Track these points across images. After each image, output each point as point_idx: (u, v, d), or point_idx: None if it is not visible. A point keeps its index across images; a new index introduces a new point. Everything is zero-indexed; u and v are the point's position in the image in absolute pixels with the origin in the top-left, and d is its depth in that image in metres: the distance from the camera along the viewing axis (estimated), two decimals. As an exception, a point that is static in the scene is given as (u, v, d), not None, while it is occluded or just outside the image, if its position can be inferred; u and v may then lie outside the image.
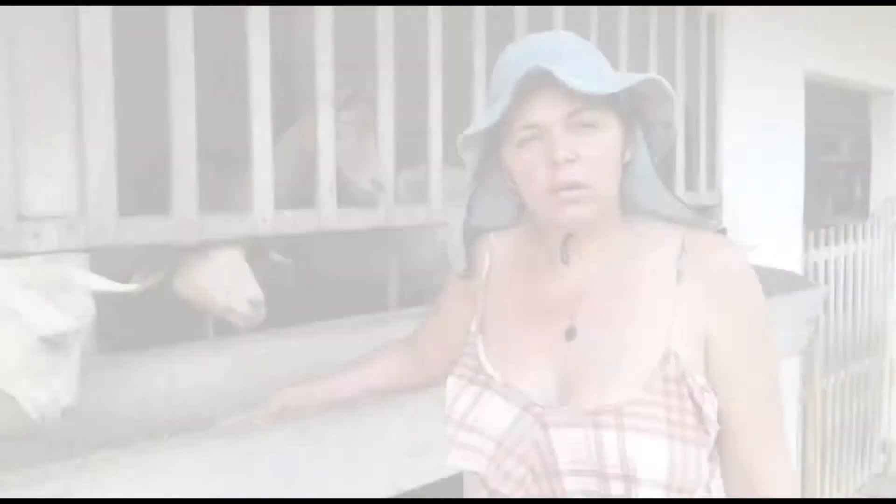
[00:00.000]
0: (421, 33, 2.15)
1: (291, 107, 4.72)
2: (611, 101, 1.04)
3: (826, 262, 4.48)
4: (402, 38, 2.06)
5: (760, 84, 3.65)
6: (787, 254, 3.97)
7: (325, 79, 1.91)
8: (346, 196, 2.10)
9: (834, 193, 6.46)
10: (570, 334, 1.07)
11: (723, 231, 1.12)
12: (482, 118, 1.07)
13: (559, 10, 2.51)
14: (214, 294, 1.62)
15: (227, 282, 1.62)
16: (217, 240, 1.68)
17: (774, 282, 2.57)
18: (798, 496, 1.09)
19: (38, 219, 1.44)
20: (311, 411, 1.36)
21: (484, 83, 2.29)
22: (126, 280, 1.56)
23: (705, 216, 1.15)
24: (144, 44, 1.94)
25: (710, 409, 1.00)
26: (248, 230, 1.76)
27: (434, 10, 2.14)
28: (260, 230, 1.77)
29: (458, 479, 1.27)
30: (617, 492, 0.98)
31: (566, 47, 1.05)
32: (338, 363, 1.89)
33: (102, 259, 1.53)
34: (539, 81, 1.01)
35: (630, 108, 1.10)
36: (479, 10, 2.26)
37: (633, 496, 0.97)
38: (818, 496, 4.39)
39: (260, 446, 1.28)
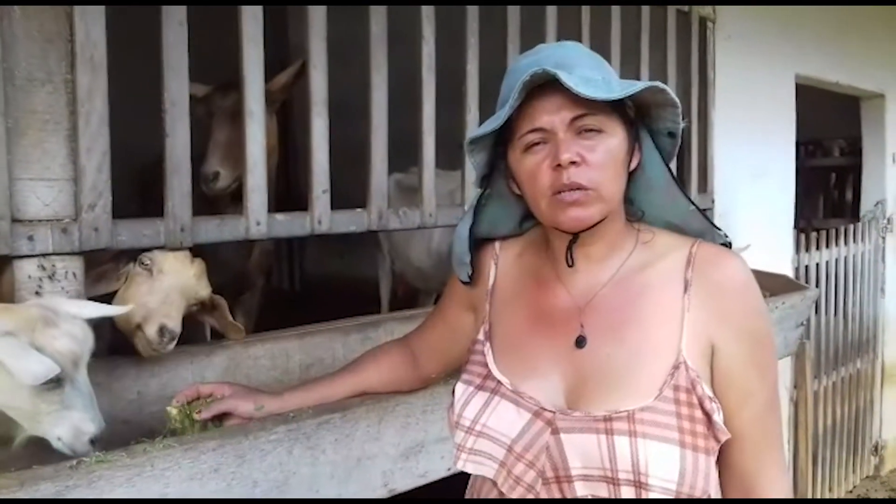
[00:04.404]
0: (413, 37, 2.16)
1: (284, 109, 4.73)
2: (616, 109, 1.06)
3: (817, 265, 4.50)
4: (395, 42, 2.07)
5: (752, 87, 3.67)
6: (779, 256, 3.99)
7: (318, 83, 1.91)
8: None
9: (825, 196, 6.48)
10: (580, 343, 1.09)
11: (728, 244, 1.14)
12: (489, 122, 1.08)
13: (551, 14, 2.52)
14: (135, 311, 1.58)
15: (154, 304, 1.59)
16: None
17: (765, 284, 2.59)
18: None
19: (33, 222, 1.44)
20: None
21: (476, 87, 2.30)
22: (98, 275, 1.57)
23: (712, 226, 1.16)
24: (139, 47, 1.94)
25: (718, 418, 1.02)
26: (242, 233, 1.77)
27: (427, 14, 2.15)
28: (253, 233, 1.78)
29: (452, 481, 1.28)
30: (626, 497, 0.99)
31: (573, 56, 1.08)
32: (330, 365, 1.91)
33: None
34: (545, 87, 1.03)
35: (636, 116, 1.11)
36: (472, 15, 2.27)
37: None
38: (809, 498, 4.40)
39: (253, 448, 1.28)
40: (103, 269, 1.59)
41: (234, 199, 2.24)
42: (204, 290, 1.70)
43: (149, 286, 1.60)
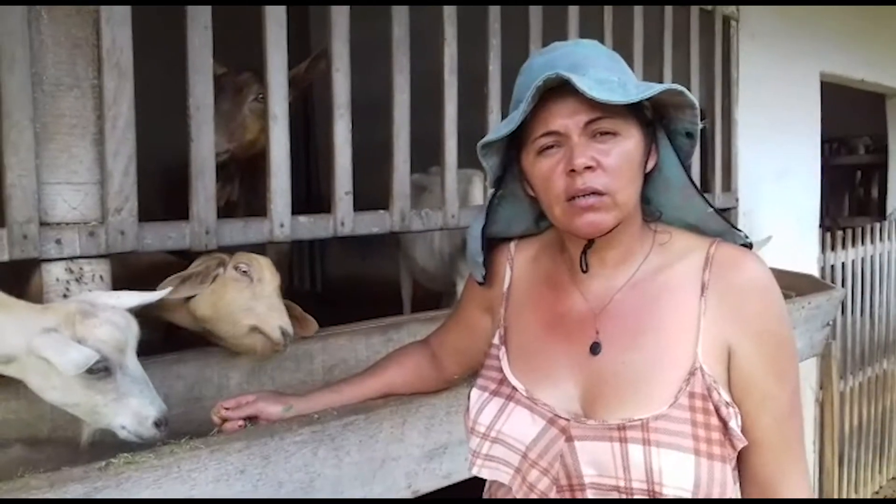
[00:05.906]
0: (436, 38, 2.16)
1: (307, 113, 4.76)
2: (632, 111, 1.04)
3: (843, 264, 4.45)
4: (417, 44, 2.07)
5: (776, 85, 3.64)
6: (804, 256, 3.95)
7: (340, 85, 1.92)
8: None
9: (851, 194, 6.41)
10: (595, 349, 1.07)
11: (748, 245, 1.12)
12: (502, 125, 1.07)
13: (573, 14, 2.51)
14: (242, 317, 1.65)
15: (262, 308, 1.66)
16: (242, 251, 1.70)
17: (791, 284, 2.57)
18: None
19: (60, 225, 1.46)
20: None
21: (499, 87, 2.30)
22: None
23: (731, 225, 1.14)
24: (164, 51, 1.96)
25: (735, 425, 1.00)
26: (266, 235, 1.78)
27: (449, 15, 2.15)
28: (277, 235, 1.79)
29: (475, 483, 1.28)
30: None
31: (589, 56, 1.06)
32: (353, 366, 1.91)
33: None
34: (560, 89, 1.01)
35: (654, 117, 1.10)
36: (494, 15, 2.27)
37: None
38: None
39: (278, 449, 1.29)
40: (190, 272, 1.62)
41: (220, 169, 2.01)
42: None
43: (251, 292, 1.66)
